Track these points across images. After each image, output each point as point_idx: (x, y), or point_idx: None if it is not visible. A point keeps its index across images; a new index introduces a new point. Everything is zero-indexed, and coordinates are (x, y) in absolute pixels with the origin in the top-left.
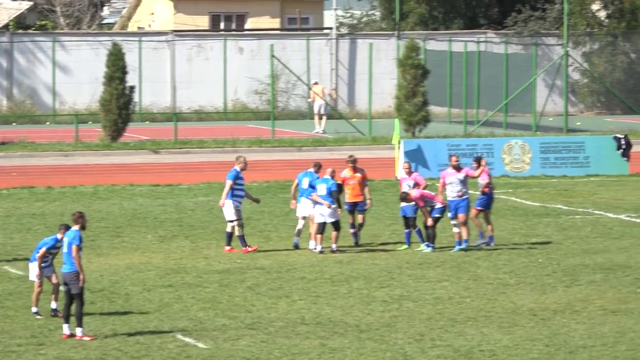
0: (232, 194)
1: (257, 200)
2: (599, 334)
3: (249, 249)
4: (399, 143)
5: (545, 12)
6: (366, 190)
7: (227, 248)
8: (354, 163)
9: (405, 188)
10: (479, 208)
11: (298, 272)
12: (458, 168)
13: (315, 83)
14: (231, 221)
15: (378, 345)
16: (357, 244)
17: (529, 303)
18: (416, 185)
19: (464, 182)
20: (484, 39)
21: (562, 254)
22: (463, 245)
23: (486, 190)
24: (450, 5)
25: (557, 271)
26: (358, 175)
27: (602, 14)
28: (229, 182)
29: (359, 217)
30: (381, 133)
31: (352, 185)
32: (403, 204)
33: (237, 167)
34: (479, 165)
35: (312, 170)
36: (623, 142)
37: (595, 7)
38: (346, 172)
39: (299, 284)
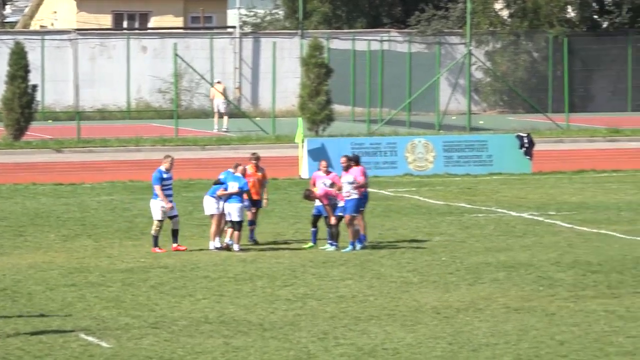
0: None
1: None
2: (502, 331)
3: (157, 250)
4: (303, 142)
5: (448, 11)
6: (264, 189)
7: (174, 246)
8: (257, 160)
9: (320, 186)
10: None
11: (202, 271)
12: (327, 172)
13: (218, 82)
14: (159, 220)
15: (282, 343)
16: (255, 242)
17: (433, 301)
18: (332, 185)
19: (352, 183)
20: (387, 38)
21: (465, 253)
22: (357, 245)
23: (361, 190)
24: (354, 4)
25: (461, 269)
26: (259, 174)
27: (505, 13)
28: (156, 187)
29: (252, 214)
30: (285, 132)
31: (252, 183)
32: (317, 202)
33: (163, 167)
34: (357, 164)
35: (231, 169)
36: (526, 140)
37: (498, 6)
38: (248, 169)
39: (203, 282)
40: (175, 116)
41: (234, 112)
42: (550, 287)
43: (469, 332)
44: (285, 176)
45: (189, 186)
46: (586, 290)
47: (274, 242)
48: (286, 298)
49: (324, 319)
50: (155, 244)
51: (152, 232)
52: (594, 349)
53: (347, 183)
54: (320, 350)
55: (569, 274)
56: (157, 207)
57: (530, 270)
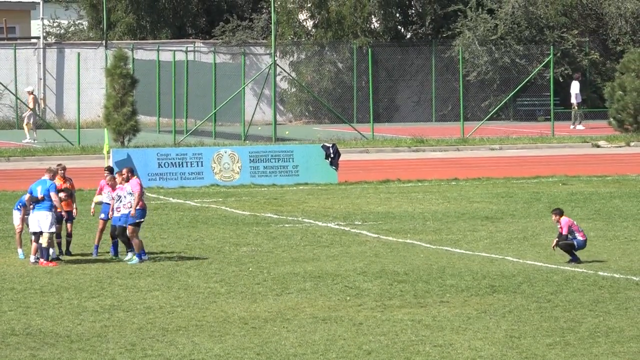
0: (50, 206)
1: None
2: (309, 341)
3: (50, 264)
4: (109, 153)
5: (252, 22)
6: (73, 199)
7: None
8: (63, 171)
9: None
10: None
11: (7, 282)
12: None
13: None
14: (48, 233)
15: (89, 355)
16: (69, 253)
17: (240, 312)
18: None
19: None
20: (192, 49)
21: (272, 263)
22: (136, 258)
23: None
24: (158, 15)
25: (268, 280)
26: (67, 184)
27: (309, 24)
28: (53, 195)
29: (68, 227)
30: (90, 142)
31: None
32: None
33: (47, 177)
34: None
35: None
36: (331, 151)
37: (302, 16)
38: (56, 180)
39: (9, 294)
40: None
41: (39, 122)
42: (357, 296)
43: (277, 343)
44: (92, 187)
45: None
46: (393, 300)
47: (81, 254)
48: (93, 309)
49: (131, 330)
50: (47, 257)
51: (44, 245)
52: (401, 358)
53: (128, 194)
54: None
55: (375, 284)
56: (48, 218)
57: (337, 280)
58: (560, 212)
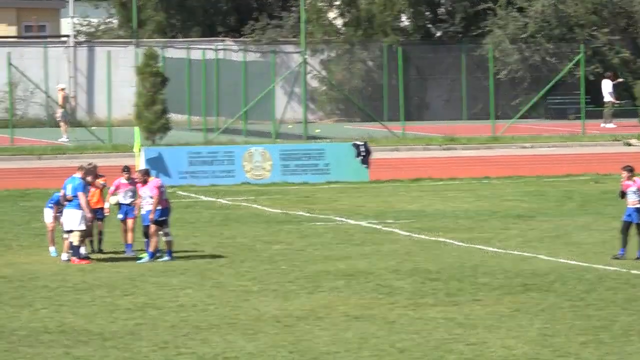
0: (80, 204)
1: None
2: (342, 339)
3: (83, 262)
4: (140, 151)
5: (282, 20)
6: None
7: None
8: (95, 169)
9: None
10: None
11: (40, 280)
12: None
13: (62, 89)
14: (79, 231)
15: (122, 353)
16: (100, 250)
17: (273, 310)
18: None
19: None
20: (222, 47)
21: (304, 261)
22: (147, 256)
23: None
24: (188, 13)
25: (300, 278)
26: (100, 181)
27: (339, 22)
28: (81, 195)
29: (99, 225)
30: (121, 141)
31: (92, 192)
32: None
33: (79, 174)
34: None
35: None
36: (362, 149)
37: (332, 15)
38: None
39: (42, 292)
40: (10, 125)
41: (70, 120)
42: (389, 295)
43: (310, 341)
44: None
45: (26, 195)
46: (425, 298)
47: (113, 252)
48: (126, 307)
49: (164, 328)
50: (79, 255)
51: (75, 243)
52: (434, 357)
53: (149, 196)
54: (161, 359)
55: (408, 282)
56: (77, 216)
57: (369, 278)
58: (632, 170)
